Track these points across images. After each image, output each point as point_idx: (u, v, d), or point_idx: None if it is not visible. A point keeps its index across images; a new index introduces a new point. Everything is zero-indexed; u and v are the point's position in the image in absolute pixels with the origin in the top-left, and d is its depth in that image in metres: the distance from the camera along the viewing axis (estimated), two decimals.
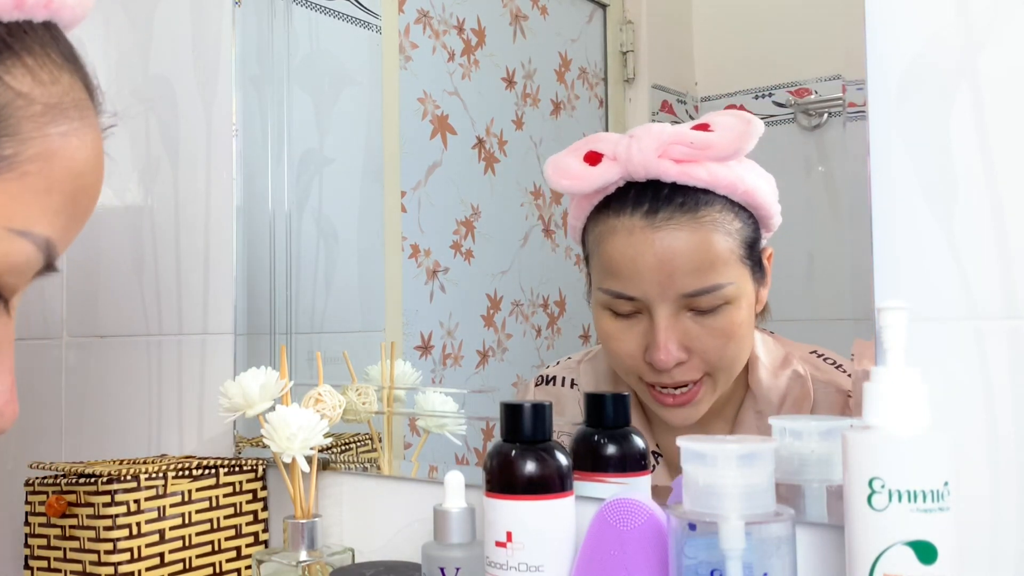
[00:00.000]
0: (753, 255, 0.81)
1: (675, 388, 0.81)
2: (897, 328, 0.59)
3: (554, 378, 0.93)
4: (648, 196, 0.80)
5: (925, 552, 0.57)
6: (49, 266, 0.52)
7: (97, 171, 0.53)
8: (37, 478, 0.99)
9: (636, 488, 0.73)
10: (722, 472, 0.59)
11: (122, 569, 0.92)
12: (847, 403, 0.76)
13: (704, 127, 0.79)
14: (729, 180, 0.79)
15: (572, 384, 0.91)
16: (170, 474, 0.97)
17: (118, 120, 0.56)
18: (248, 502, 1.04)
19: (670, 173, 0.79)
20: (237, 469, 1.03)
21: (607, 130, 0.98)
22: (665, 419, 0.83)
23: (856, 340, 0.72)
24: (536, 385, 0.94)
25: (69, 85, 0.51)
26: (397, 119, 1.07)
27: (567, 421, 0.87)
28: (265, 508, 1.05)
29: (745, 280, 0.81)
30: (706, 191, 0.79)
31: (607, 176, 0.81)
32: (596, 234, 0.84)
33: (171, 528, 0.97)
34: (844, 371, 0.78)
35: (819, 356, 0.81)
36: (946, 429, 0.59)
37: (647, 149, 0.79)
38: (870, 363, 0.69)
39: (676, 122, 0.92)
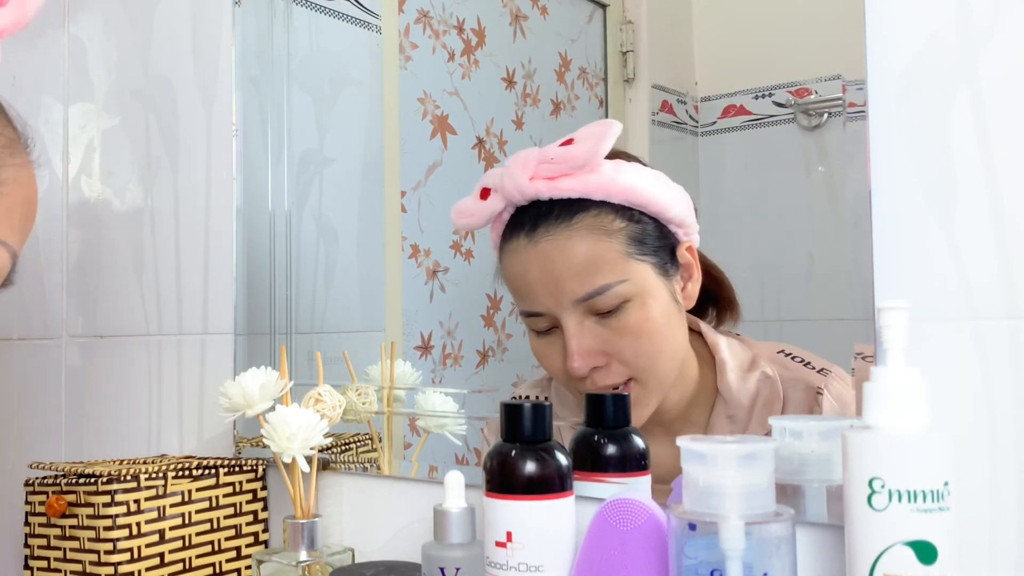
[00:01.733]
0: (650, 251, 0.82)
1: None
2: (897, 328, 0.59)
3: (527, 397, 0.94)
4: (529, 216, 0.84)
5: (925, 552, 0.57)
6: (7, 280, 0.64)
7: (36, 197, 0.66)
8: (37, 478, 0.99)
9: (636, 488, 0.73)
10: (722, 472, 0.59)
11: (122, 569, 0.92)
12: (816, 399, 0.77)
13: (568, 142, 0.82)
14: (600, 183, 0.81)
15: (545, 400, 0.92)
16: (170, 474, 0.97)
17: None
18: (248, 502, 1.04)
19: (543, 191, 0.82)
20: (237, 469, 1.03)
21: None
22: None
23: (855, 349, 0.72)
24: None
25: (10, 127, 0.63)
26: (397, 119, 1.07)
27: None
28: (265, 508, 1.05)
29: (644, 276, 0.81)
30: (581, 200, 0.82)
31: (493, 207, 0.86)
32: (501, 258, 0.88)
33: (171, 528, 0.96)
34: (812, 368, 0.79)
35: (787, 355, 0.81)
36: (946, 429, 0.59)
37: (516, 175, 0.83)
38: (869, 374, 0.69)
39: (676, 122, 0.92)
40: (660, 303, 0.82)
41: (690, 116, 0.91)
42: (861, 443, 0.59)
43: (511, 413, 0.70)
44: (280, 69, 1.14)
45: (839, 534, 0.63)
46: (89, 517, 0.93)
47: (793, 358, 0.81)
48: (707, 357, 0.85)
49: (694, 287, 0.84)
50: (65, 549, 0.95)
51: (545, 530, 0.68)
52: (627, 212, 0.82)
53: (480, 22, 1.04)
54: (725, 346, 0.84)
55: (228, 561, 1.01)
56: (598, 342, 0.81)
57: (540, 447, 0.69)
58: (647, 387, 0.82)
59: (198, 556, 0.99)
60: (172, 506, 0.97)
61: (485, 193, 0.87)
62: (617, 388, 0.82)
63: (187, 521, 0.98)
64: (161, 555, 0.96)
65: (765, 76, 0.85)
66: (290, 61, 1.14)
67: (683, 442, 0.61)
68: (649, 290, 0.81)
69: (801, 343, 0.82)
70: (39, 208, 1.36)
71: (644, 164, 0.85)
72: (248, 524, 1.03)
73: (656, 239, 0.82)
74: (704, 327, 0.85)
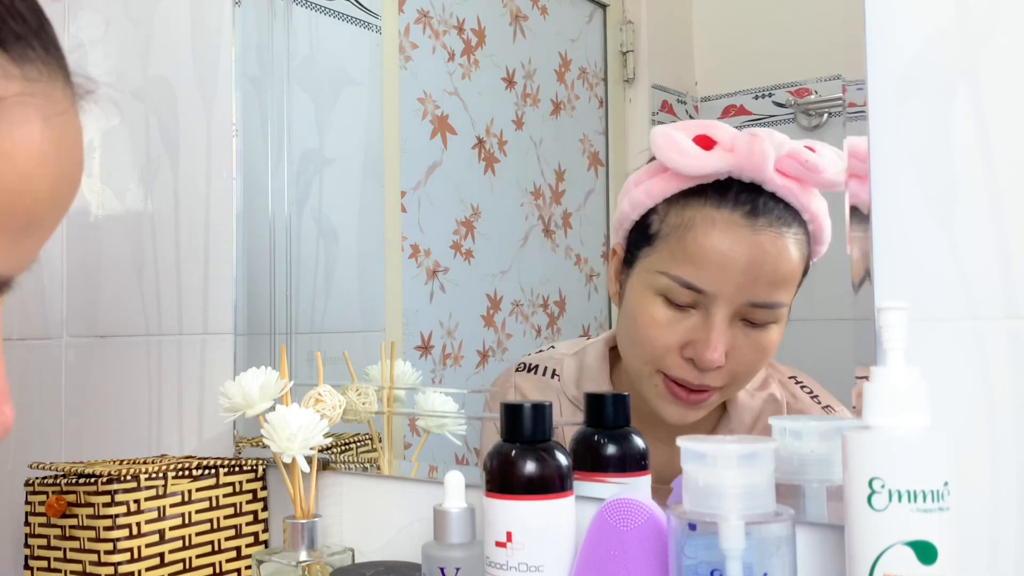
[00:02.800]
0: (798, 285, 0.81)
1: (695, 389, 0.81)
2: (897, 328, 0.59)
3: (536, 367, 0.93)
4: (751, 198, 0.80)
5: (925, 552, 0.57)
6: (3, 286, 0.44)
7: (44, 164, 0.41)
8: (37, 478, 0.99)
9: (636, 488, 0.73)
10: (722, 472, 0.59)
11: (122, 569, 0.92)
12: None
13: (812, 149, 0.79)
14: (815, 209, 0.79)
15: (554, 375, 0.91)
16: (170, 474, 0.97)
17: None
18: (248, 502, 1.04)
19: (775, 184, 0.79)
20: (237, 469, 1.03)
21: (607, 130, 0.98)
22: (663, 414, 0.82)
23: (856, 373, 0.72)
24: (517, 370, 0.94)
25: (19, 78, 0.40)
26: (397, 119, 1.07)
27: None
28: (265, 508, 1.05)
29: (787, 307, 0.81)
30: (795, 212, 0.80)
31: (718, 165, 0.80)
32: (682, 218, 0.82)
33: (171, 528, 0.96)
34: (818, 401, 0.78)
35: (797, 383, 0.81)
36: (946, 429, 0.59)
37: (768, 153, 0.79)
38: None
39: (676, 122, 0.92)
40: (782, 328, 0.81)
41: (690, 116, 0.91)
42: (861, 443, 0.59)
43: (511, 413, 0.70)
44: (280, 69, 1.14)
45: (839, 534, 0.63)
46: (89, 517, 0.93)
47: (803, 387, 0.80)
48: None
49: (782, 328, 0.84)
50: (65, 549, 0.95)
51: (545, 530, 0.68)
52: (809, 246, 0.80)
53: (480, 22, 1.04)
54: None
55: (228, 561, 1.01)
56: (732, 345, 0.80)
57: (540, 447, 0.69)
58: (723, 396, 0.82)
59: (198, 556, 0.99)
60: (172, 506, 0.97)
61: (706, 143, 0.81)
62: (705, 393, 0.81)
63: (187, 521, 0.98)
64: (161, 555, 0.95)
65: (765, 76, 0.85)
66: (290, 61, 1.14)
67: (683, 442, 0.61)
68: (783, 321, 0.81)
69: (801, 343, 0.82)
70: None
71: None
72: (248, 524, 1.03)
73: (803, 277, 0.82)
74: None
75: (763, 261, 0.79)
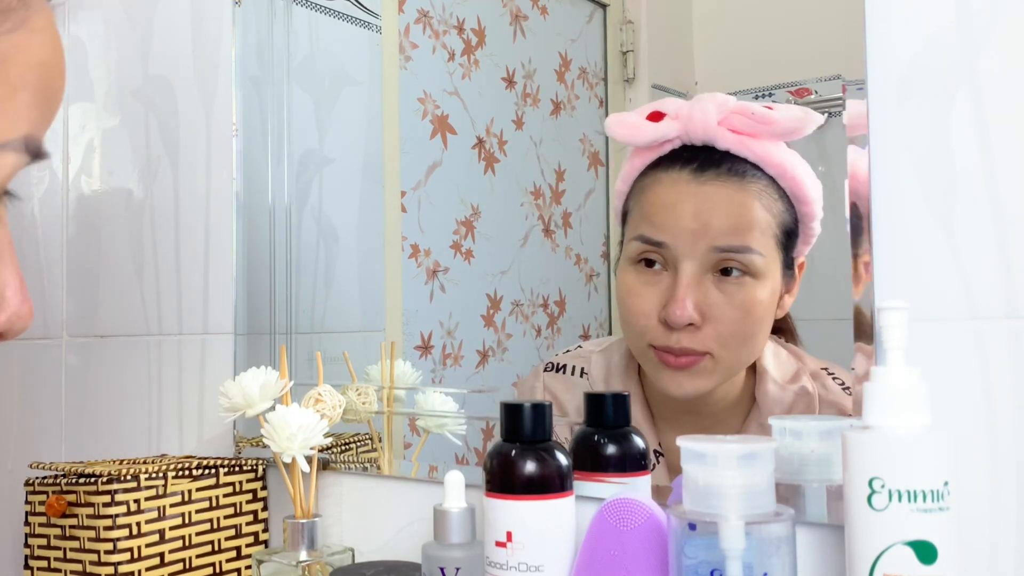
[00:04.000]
0: (788, 245, 0.81)
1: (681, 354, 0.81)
2: (897, 328, 0.59)
3: (564, 366, 0.93)
4: (699, 157, 0.81)
5: (925, 552, 0.57)
6: (37, 155, 0.51)
7: (57, 53, 0.51)
8: (37, 478, 0.99)
9: (636, 488, 0.73)
10: (722, 472, 0.59)
11: (122, 569, 0.92)
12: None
13: (766, 106, 0.80)
14: (779, 161, 0.79)
15: (583, 373, 0.91)
16: (170, 474, 0.97)
17: None
18: (248, 502, 1.04)
19: (726, 140, 0.80)
20: (237, 469, 1.03)
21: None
22: (665, 389, 0.82)
23: (857, 356, 0.72)
24: (545, 371, 0.93)
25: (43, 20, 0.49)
26: (397, 119, 1.07)
27: (576, 408, 0.88)
28: (265, 508, 1.05)
29: (774, 264, 0.81)
30: (756, 165, 0.80)
31: (665, 131, 0.82)
32: (640, 188, 0.85)
33: (171, 528, 0.96)
34: (850, 394, 0.77)
35: (829, 374, 0.80)
36: (946, 429, 0.59)
37: (709, 112, 0.80)
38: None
39: None
40: (770, 293, 0.81)
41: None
42: (861, 443, 0.59)
43: (511, 413, 0.70)
44: (280, 69, 1.14)
45: (839, 534, 0.63)
46: (89, 517, 0.93)
47: (835, 379, 0.79)
48: (754, 363, 0.84)
49: (790, 300, 0.82)
50: (65, 549, 0.95)
51: (545, 530, 0.68)
52: (788, 201, 0.81)
53: (480, 22, 1.04)
54: (771, 353, 0.83)
55: (228, 561, 1.01)
56: (705, 301, 0.80)
57: (540, 447, 0.69)
58: (719, 366, 0.81)
59: (198, 556, 0.99)
60: (172, 506, 0.97)
61: (656, 116, 0.84)
62: (691, 357, 0.80)
63: (187, 521, 0.98)
64: (161, 555, 0.96)
65: (765, 76, 0.85)
66: (290, 61, 1.14)
67: (683, 442, 0.61)
68: (770, 276, 0.80)
69: (801, 343, 0.82)
70: (40, 208, 1.36)
71: None
72: (248, 524, 1.03)
73: (793, 241, 0.81)
74: None
75: (711, 205, 0.81)
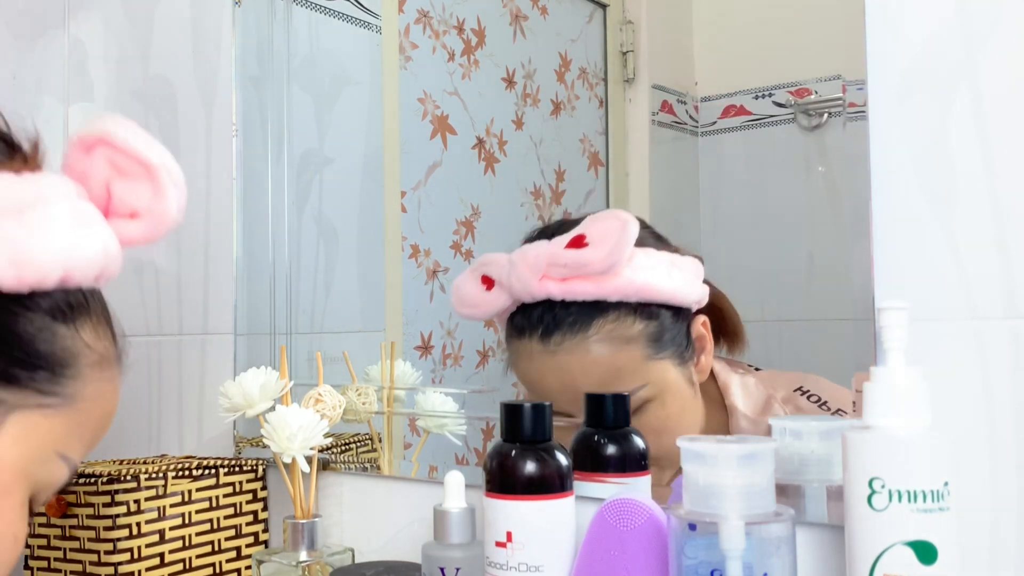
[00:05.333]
0: (668, 345, 0.80)
1: None
2: (897, 328, 0.59)
3: None
4: (541, 318, 0.80)
5: (925, 552, 0.57)
6: (72, 473, 0.60)
7: (115, 410, 0.63)
8: None
9: (636, 488, 0.73)
10: (722, 472, 0.59)
11: (122, 569, 0.92)
12: None
13: (579, 241, 0.77)
14: (617, 287, 0.77)
15: None
16: (170, 474, 0.97)
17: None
18: (248, 502, 1.04)
19: (555, 293, 0.79)
20: (237, 469, 1.03)
21: (607, 130, 0.98)
22: None
23: (856, 375, 0.71)
24: None
25: (110, 340, 0.61)
26: (397, 119, 1.07)
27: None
28: (265, 508, 1.05)
29: (664, 373, 0.80)
30: (596, 302, 0.78)
31: (499, 303, 0.83)
32: (510, 351, 0.86)
33: (171, 528, 0.96)
34: (827, 409, 0.77)
35: (803, 393, 0.79)
36: (946, 429, 0.59)
37: (524, 277, 0.79)
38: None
39: (676, 122, 0.92)
40: (679, 397, 0.80)
41: (690, 116, 0.91)
42: (861, 443, 0.59)
43: (511, 413, 0.70)
44: (280, 69, 1.14)
45: (839, 534, 0.63)
46: (89, 517, 0.93)
47: (810, 397, 0.78)
48: (719, 400, 0.83)
49: (707, 359, 0.81)
50: (65, 549, 0.95)
51: (545, 530, 0.68)
52: (645, 310, 0.78)
53: (480, 22, 1.04)
54: (738, 389, 0.82)
55: (228, 561, 1.01)
56: None
57: (540, 447, 0.69)
58: (663, 467, 0.79)
59: (198, 556, 0.99)
60: (172, 506, 0.97)
61: (487, 282, 0.84)
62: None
63: (187, 521, 0.98)
64: (161, 555, 0.95)
65: (765, 76, 0.85)
66: (290, 61, 1.14)
67: (683, 442, 0.61)
68: (668, 387, 0.80)
69: (801, 343, 0.82)
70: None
71: (647, 226, 0.81)
72: (248, 524, 1.03)
73: (672, 329, 0.80)
74: (717, 367, 0.83)
75: (572, 377, 0.80)
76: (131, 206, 0.56)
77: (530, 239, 0.85)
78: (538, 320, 0.81)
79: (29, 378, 0.52)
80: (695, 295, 0.80)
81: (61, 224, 0.51)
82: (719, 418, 0.82)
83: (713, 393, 0.83)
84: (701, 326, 0.81)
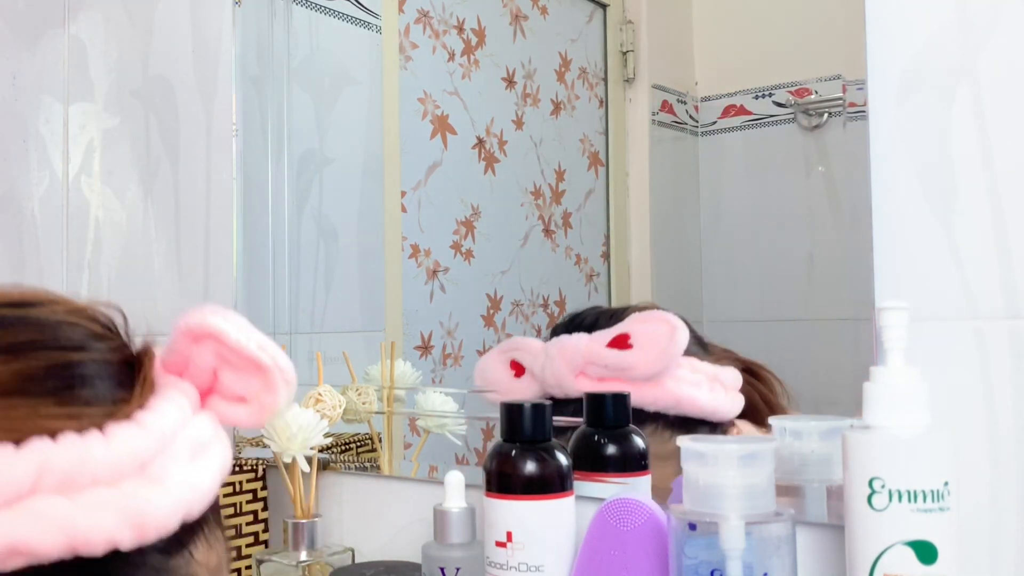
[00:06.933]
0: None
1: None
2: (897, 328, 0.59)
3: None
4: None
5: (925, 552, 0.57)
6: None
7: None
8: None
9: (636, 488, 0.73)
10: (722, 472, 0.59)
11: None
12: None
13: (623, 340, 0.74)
14: (656, 396, 0.74)
15: None
16: None
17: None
18: (248, 502, 1.04)
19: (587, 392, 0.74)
20: (237, 469, 1.03)
21: (607, 130, 0.98)
22: None
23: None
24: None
25: (221, 543, 0.54)
26: (397, 119, 1.07)
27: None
28: (265, 508, 1.05)
29: None
30: (633, 409, 0.74)
31: (528, 393, 0.79)
32: None
33: None
34: None
35: None
36: (946, 429, 0.59)
37: (560, 372, 0.76)
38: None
39: (676, 122, 0.92)
40: None
41: (690, 116, 0.91)
42: (861, 443, 0.59)
43: (511, 413, 0.70)
44: (280, 69, 1.14)
45: (839, 534, 0.63)
46: None
47: None
48: None
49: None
50: None
51: (545, 530, 0.68)
52: (683, 425, 0.75)
53: (480, 22, 1.04)
54: None
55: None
56: None
57: (540, 447, 0.69)
58: None
59: None
60: None
61: (517, 368, 0.79)
62: None
63: None
64: None
65: (765, 76, 0.85)
66: (290, 61, 1.14)
67: (683, 442, 0.61)
68: None
69: (801, 343, 0.82)
70: (40, 208, 1.36)
71: (692, 331, 0.75)
72: (248, 524, 1.03)
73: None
74: (746, 430, 0.79)
75: None
76: (238, 393, 0.54)
77: (564, 327, 0.80)
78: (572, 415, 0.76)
79: None
80: (734, 411, 0.76)
81: (185, 472, 0.47)
82: None
83: None
84: (735, 434, 0.78)
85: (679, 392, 0.73)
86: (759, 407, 0.79)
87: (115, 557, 0.45)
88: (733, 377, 0.77)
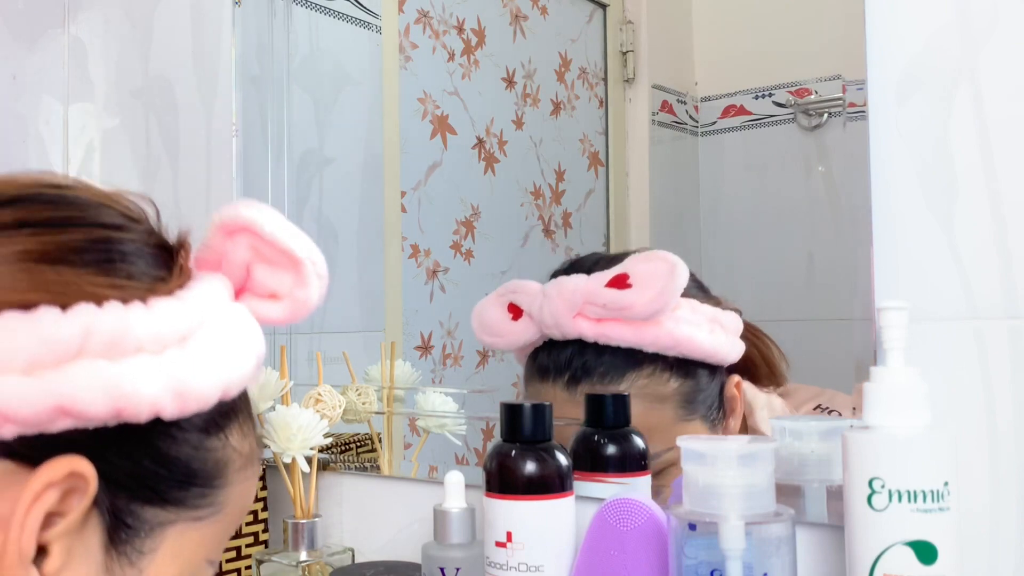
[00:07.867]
0: (699, 407, 0.76)
1: None
2: (897, 328, 0.59)
3: None
4: (570, 362, 0.75)
5: (925, 552, 0.57)
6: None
7: (253, 501, 0.59)
8: None
9: (636, 488, 0.73)
10: (722, 472, 0.59)
11: None
12: None
13: (622, 280, 0.72)
14: (656, 337, 0.72)
15: None
16: None
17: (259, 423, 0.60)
18: None
19: (588, 334, 0.74)
20: None
21: (607, 130, 0.98)
22: None
23: (856, 386, 0.70)
24: None
25: (253, 436, 0.56)
26: (397, 119, 1.07)
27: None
28: (265, 508, 1.05)
29: (696, 429, 0.76)
30: (631, 351, 0.73)
31: (527, 335, 0.78)
32: (528, 392, 0.81)
33: None
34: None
35: (824, 409, 0.76)
36: (946, 429, 0.59)
37: (559, 312, 0.74)
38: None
39: (676, 122, 0.92)
40: None
41: (690, 116, 0.91)
42: (861, 443, 0.59)
43: (511, 413, 0.70)
44: (280, 69, 1.14)
45: (839, 534, 0.63)
46: None
47: (829, 412, 0.75)
48: (742, 420, 0.79)
49: (736, 422, 0.77)
50: None
51: (545, 530, 0.68)
52: (682, 367, 0.74)
53: (480, 22, 1.04)
54: (764, 412, 0.78)
55: (228, 561, 1.01)
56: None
57: (540, 447, 0.69)
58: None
59: None
60: None
61: (515, 311, 0.79)
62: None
63: None
64: None
65: (765, 76, 0.85)
66: (290, 61, 1.14)
67: (683, 442, 0.61)
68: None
69: (801, 343, 0.82)
70: None
71: (692, 275, 0.74)
72: (248, 524, 1.03)
73: (707, 389, 0.76)
74: (745, 386, 0.79)
75: None
76: (271, 289, 0.54)
77: (564, 271, 0.80)
78: (566, 364, 0.76)
79: (183, 497, 0.50)
80: (734, 354, 0.75)
81: (223, 348, 0.49)
82: (743, 432, 0.79)
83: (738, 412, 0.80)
84: (735, 387, 0.77)
85: (678, 332, 0.72)
86: (758, 364, 0.78)
87: (158, 428, 0.46)
88: (734, 320, 0.76)
